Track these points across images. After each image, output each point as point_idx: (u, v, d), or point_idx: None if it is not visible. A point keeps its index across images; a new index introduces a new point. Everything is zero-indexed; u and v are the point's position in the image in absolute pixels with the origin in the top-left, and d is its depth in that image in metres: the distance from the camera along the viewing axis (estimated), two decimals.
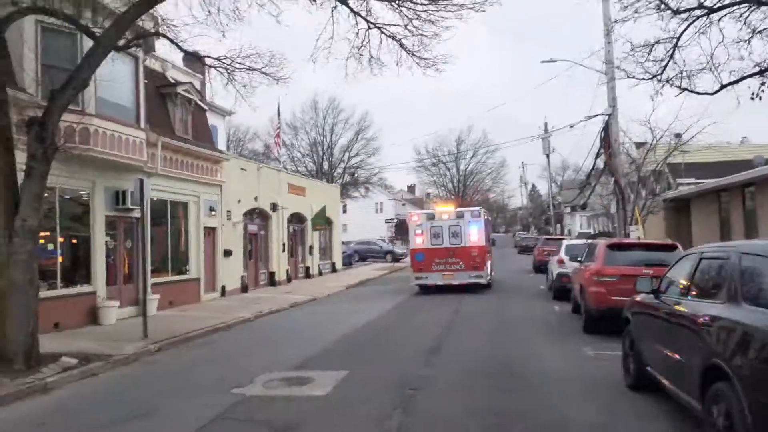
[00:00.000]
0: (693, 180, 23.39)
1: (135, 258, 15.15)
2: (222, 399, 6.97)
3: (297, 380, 7.77)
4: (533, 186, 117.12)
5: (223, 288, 19.42)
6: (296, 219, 26.60)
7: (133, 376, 8.73)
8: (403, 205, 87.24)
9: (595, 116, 21.81)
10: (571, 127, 25.53)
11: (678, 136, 20.82)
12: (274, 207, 23.85)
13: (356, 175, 55.67)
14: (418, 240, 19.24)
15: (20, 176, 8.76)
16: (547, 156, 53.29)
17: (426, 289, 18.95)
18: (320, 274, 28.93)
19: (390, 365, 8.52)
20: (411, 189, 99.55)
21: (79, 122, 11.84)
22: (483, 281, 18.41)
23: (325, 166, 54.44)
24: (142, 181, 11.94)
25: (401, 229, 67.81)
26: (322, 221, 27.10)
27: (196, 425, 5.94)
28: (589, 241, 12.22)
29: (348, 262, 34.85)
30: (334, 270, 31.15)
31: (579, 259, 12.78)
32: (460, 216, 19.19)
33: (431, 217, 19.47)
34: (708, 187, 20.11)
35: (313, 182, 30.26)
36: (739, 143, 29.12)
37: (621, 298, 9.53)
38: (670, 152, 20.45)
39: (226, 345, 10.99)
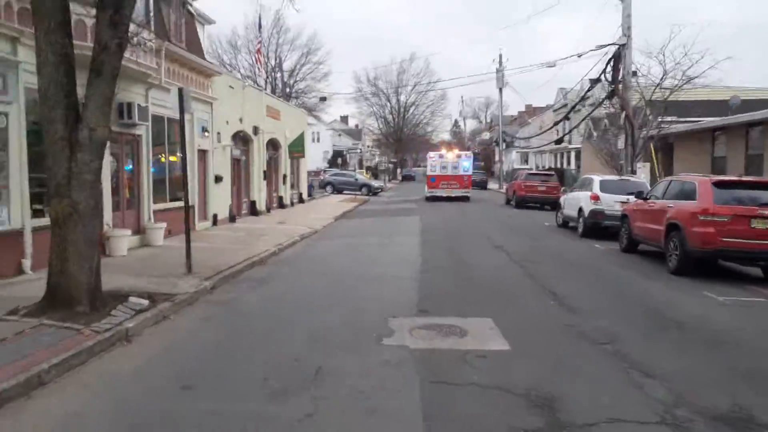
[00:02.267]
0: (674, 118, 23.63)
1: (137, 181, 13.20)
2: (383, 352, 5.90)
3: (447, 330, 6.78)
4: (455, 122, 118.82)
5: (215, 217, 17.72)
6: (271, 145, 24.72)
7: (221, 319, 7.40)
8: (339, 135, 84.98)
9: (607, 45, 21.28)
10: (579, 56, 24.88)
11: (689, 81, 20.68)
12: (256, 131, 21.90)
13: (301, 100, 52.75)
14: (433, 169, 33.62)
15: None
16: (500, 90, 53.41)
17: (432, 200, 32.29)
18: (291, 204, 27.41)
19: (519, 305, 7.76)
20: (344, 119, 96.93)
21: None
22: (468, 195, 33.50)
23: (267, 90, 51.21)
24: (182, 91, 10.08)
25: (335, 161, 66.46)
26: (300, 148, 25.40)
27: (418, 401, 4.81)
28: (671, 178, 11.74)
29: (309, 193, 33.37)
30: (301, 200, 29.69)
31: (645, 195, 12.35)
32: (458, 156, 34.12)
33: (441, 155, 34.29)
34: (714, 124, 20.38)
35: (286, 106, 28.08)
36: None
37: (733, 239, 9.18)
38: (680, 85, 20.37)
39: (284, 283, 9.84)
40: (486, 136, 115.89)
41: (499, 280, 10.06)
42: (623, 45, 21.23)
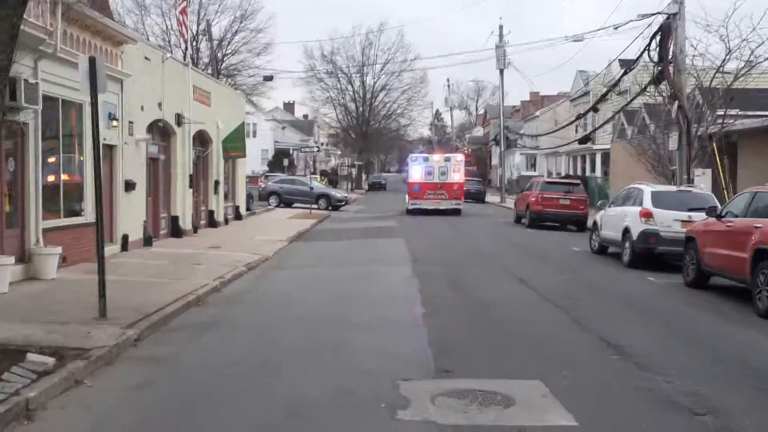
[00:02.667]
0: (737, 111, 24.23)
1: (20, 188, 12.71)
2: None
3: (483, 397, 6.60)
4: (436, 112, 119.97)
5: (125, 238, 17.22)
6: (199, 140, 24.34)
7: (157, 387, 7.07)
8: (283, 128, 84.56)
9: (652, 15, 21.72)
10: (616, 28, 25.09)
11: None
12: (180, 120, 21.52)
13: (234, 80, 52.24)
14: (416, 176, 35.04)
15: None
16: (501, 71, 54.11)
17: (415, 213, 33.94)
18: (225, 221, 26.98)
19: (571, 361, 7.66)
20: (289, 107, 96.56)
21: None
22: (460, 207, 35.02)
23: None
24: (95, 62, 9.77)
25: (279, 162, 65.74)
26: (239, 145, 25.10)
27: None
28: (756, 189, 11.93)
29: (247, 206, 32.98)
30: (238, 216, 29.28)
31: (718, 212, 12.52)
32: (447, 160, 35.78)
33: (426, 158, 36.46)
34: None
35: (219, 86, 27.78)
36: None
37: None
38: (749, 68, 20.87)
39: (238, 331, 9.61)
40: (479, 132, 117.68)
41: (534, 325, 9.99)
42: (674, 15, 21.76)
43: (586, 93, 54.36)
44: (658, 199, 16.06)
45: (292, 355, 8.20)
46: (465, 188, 41.55)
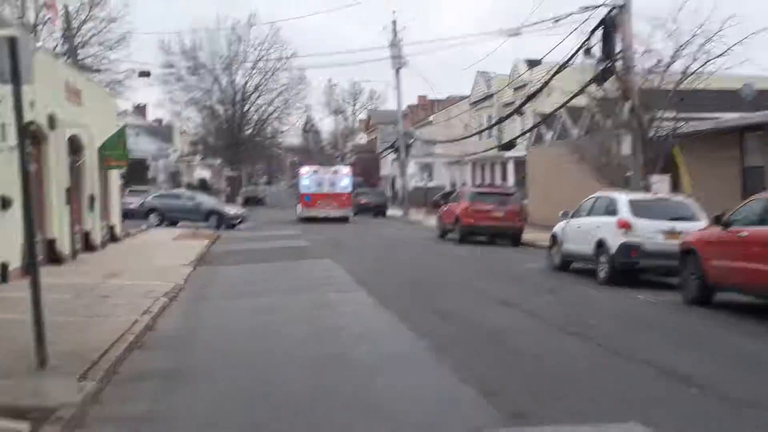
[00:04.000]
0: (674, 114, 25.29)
1: None
2: None
3: None
4: (307, 119, 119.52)
5: (5, 267, 15.69)
6: (70, 146, 22.74)
7: None
8: (137, 134, 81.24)
9: (597, 7, 22.30)
10: (556, 21, 25.17)
11: None
12: (53, 122, 19.95)
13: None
14: (308, 187, 43.19)
15: None
16: (397, 70, 54.38)
17: (308, 221, 41.17)
18: (102, 245, 25.34)
19: (655, 398, 7.44)
20: (140, 110, 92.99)
21: None
22: (350, 215, 43.72)
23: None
24: (15, 41, 8.73)
25: (137, 173, 63.04)
26: (120, 153, 23.65)
27: None
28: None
29: None
30: (113, 238, 27.60)
31: (725, 220, 12.76)
32: (335, 172, 45.02)
33: (317, 171, 45.03)
34: (747, 121, 21.90)
35: (89, 84, 26.07)
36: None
37: None
38: (699, 67, 21.76)
39: (215, 382, 8.76)
40: (362, 139, 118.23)
41: (564, 356, 9.83)
42: (621, 6, 22.47)
43: (489, 96, 55.88)
44: (637, 208, 16.28)
45: (307, 409, 7.45)
46: (365, 201, 50.80)
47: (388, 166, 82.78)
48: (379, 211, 51.86)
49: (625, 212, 16.31)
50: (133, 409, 7.55)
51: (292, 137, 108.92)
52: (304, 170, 45.85)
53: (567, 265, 18.89)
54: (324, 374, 8.81)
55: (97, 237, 24.83)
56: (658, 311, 13.57)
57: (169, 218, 37.34)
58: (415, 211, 52.58)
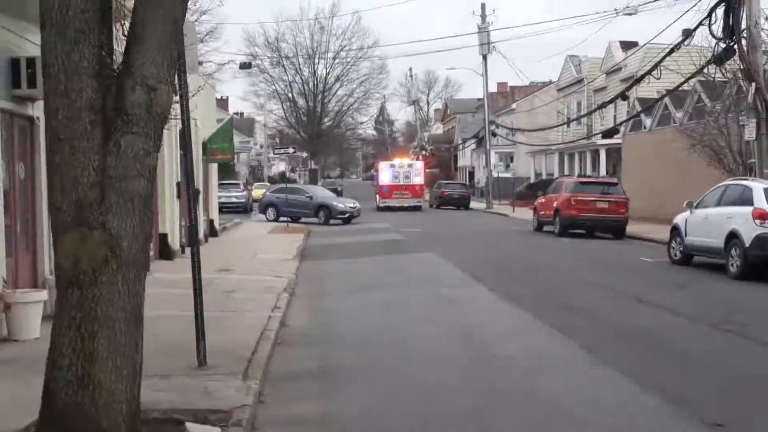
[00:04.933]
0: None
1: (29, 196, 11.45)
2: None
3: None
4: (381, 109, 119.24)
5: None
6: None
7: None
8: None
9: None
10: None
11: None
12: None
13: None
14: (385, 179, 48.54)
15: None
16: (484, 57, 53.74)
17: (386, 210, 45.33)
18: (205, 239, 25.66)
19: None
20: (223, 104, 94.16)
21: None
22: (421, 204, 48.55)
23: None
24: None
25: (222, 168, 63.86)
26: (228, 147, 23.81)
27: None
28: None
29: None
30: (213, 232, 27.95)
31: None
32: (410, 165, 50.93)
33: (393, 165, 50.43)
34: None
35: (194, 76, 26.38)
36: None
37: None
38: None
39: (381, 379, 8.67)
40: (438, 129, 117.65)
41: (727, 356, 9.45)
42: None
43: (579, 80, 54.73)
44: None
45: (485, 410, 7.24)
46: (448, 193, 52.70)
47: (466, 156, 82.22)
48: (462, 203, 51.50)
49: (761, 201, 15.57)
50: (302, 411, 7.45)
51: (366, 128, 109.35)
52: (382, 164, 52.11)
53: (689, 258, 18.22)
54: (484, 374, 8.59)
55: (200, 231, 25.13)
56: None
57: (285, 213, 36.75)
58: (497, 203, 51.98)
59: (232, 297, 13.98)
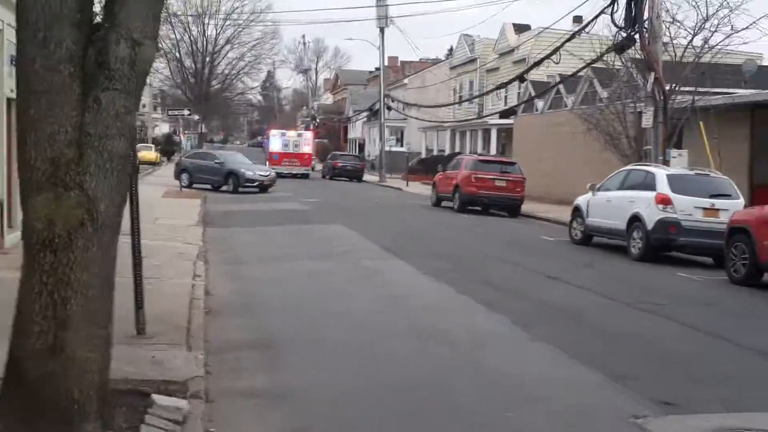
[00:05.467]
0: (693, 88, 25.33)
1: None
2: None
3: None
4: (268, 76, 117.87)
5: None
6: None
7: None
8: None
9: None
10: None
11: None
12: None
13: None
14: (275, 147, 50.92)
15: None
16: (382, 30, 53.64)
17: (279, 177, 40.35)
18: None
19: None
20: None
21: None
22: (309, 173, 51.07)
23: None
24: None
25: None
26: None
27: None
28: None
29: None
30: None
31: None
32: (300, 135, 53.88)
33: (284, 134, 53.01)
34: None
35: None
36: None
37: None
38: (727, 36, 21.89)
39: (332, 349, 8.63)
40: (327, 99, 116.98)
41: (668, 335, 9.95)
42: None
43: (472, 60, 55.56)
44: (675, 184, 16.24)
45: (444, 385, 7.30)
46: (341, 164, 53.62)
47: (357, 128, 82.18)
48: (355, 175, 51.69)
49: (663, 187, 16.26)
50: (251, 383, 7.29)
51: (254, 94, 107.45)
52: (273, 132, 54.83)
53: (589, 239, 18.87)
54: (428, 347, 8.62)
55: None
56: (712, 290, 13.72)
57: (197, 179, 35.29)
58: (389, 176, 52.30)
59: (148, 262, 13.47)
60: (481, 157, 31.53)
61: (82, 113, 4.99)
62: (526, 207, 28.93)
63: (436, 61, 78.61)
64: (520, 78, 31.20)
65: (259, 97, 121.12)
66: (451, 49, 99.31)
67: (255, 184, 34.51)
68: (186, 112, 48.79)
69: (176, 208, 25.15)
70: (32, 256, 5.04)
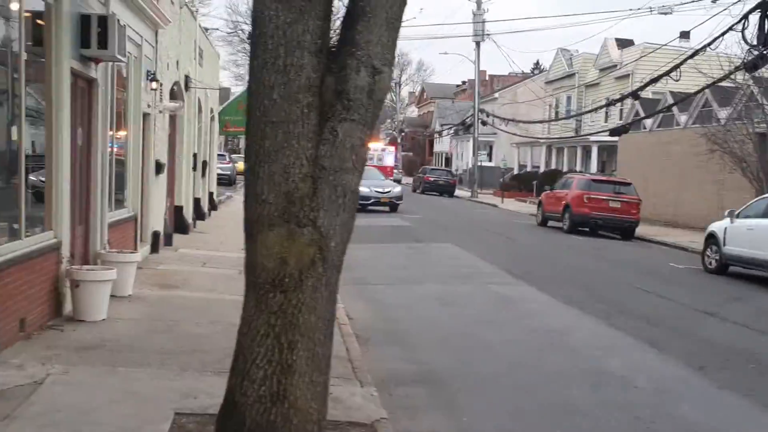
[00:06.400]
0: None
1: (84, 168, 10.61)
2: None
3: None
4: None
5: (156, 236, 15.12)
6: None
7: None
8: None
9: None
10: (714, 1, 23.87)
11: None
12: (188, 83, 19.37)
13: None
14: None
15: None
16: (478, 44, 53.22)
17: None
18: (208, 212, 24.83)
19: None
20: None
21: None
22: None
23: None
24: None
25: None
26: (240, 120, 22.89)
27: None
28: None
29: None
30: (213, 206, 27.08)
31: None
32: (383, 149, 59.67)
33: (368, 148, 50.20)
34: None
35: (207, 43, 25.43)
36: None
37: None
38: None
39: (494, 393, 8.19)
40: (413, 113, 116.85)
41: None
42: None
43: (570, 75, 54.45)
44: None
45: None
46: (432, 179, 52.95)
47: (444, 142, 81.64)
48: (447, 190, 51.11)
49: None
50: (432, 425, 6.91)
51: None
52: None
53: (725, 268, 17.88)
54: (612, 396, 8.01)
55: (205, 204, 24.31)
56: None
57: None
58: (479, 191, 51.51)
59: None
60: (594, 177, 30.57)
61: (316, 145, 4.65)
62: (642, 230, 27.94)
63: (526, 76, 77.57)
64: (634, 95, 30.22)
65: None
66: (537, 64, 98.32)
67: (370, 201, 30.84)
68: None
69: None
70: (259, 296, 4.70)
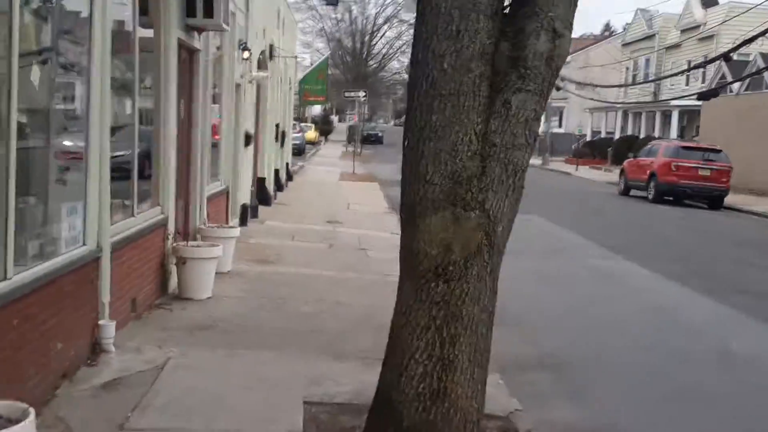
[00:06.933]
0: None
1: (185, 142, 10.43)
2: None
3: None
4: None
5: (245, 209, 14.97)
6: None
7: None
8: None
9: None
10: None
11: None
12: (272, 51, 19.09)
13: None
14: None
15: None
16: None
17: None
18: (286, 183, 24.69)
19: None
20: None
21: None
22: None
23: None
24: None
25: None
26: (322, 89, 22.70)
27: None
28: None
29: None
30: (289, 177, 26.93)
31: None
32: None
33: None
34: None
35: (286, 9, 25.16)
36: None
37: None
38: None
39: (618, 379, 7.79)
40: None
41: None
42: None
43: (650, 36, 52.64)
44: None
45: None
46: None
47: None
48: None
49: None
50: (565, 416, 6.54)
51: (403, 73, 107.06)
52: None
53: None
54: (742, 377, 7.61)
55: (283, 176, 24.17)
56: None
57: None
58: (551, 159, 50.39)
59: (370, 257, 13.02)
60: (682, 143, 29.53)
61: (486, 120, 4.27)
62: (731, 198, 26.93)
63: (598, 38, 75.70)
64: (726, 56, 29.01)
65: (405, 76, 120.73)
66: (607, 25, 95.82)
67: None
68: (362, 94, 47.33)
69: (359, 193, 24.95)
70: (420, 285, 4.37)
